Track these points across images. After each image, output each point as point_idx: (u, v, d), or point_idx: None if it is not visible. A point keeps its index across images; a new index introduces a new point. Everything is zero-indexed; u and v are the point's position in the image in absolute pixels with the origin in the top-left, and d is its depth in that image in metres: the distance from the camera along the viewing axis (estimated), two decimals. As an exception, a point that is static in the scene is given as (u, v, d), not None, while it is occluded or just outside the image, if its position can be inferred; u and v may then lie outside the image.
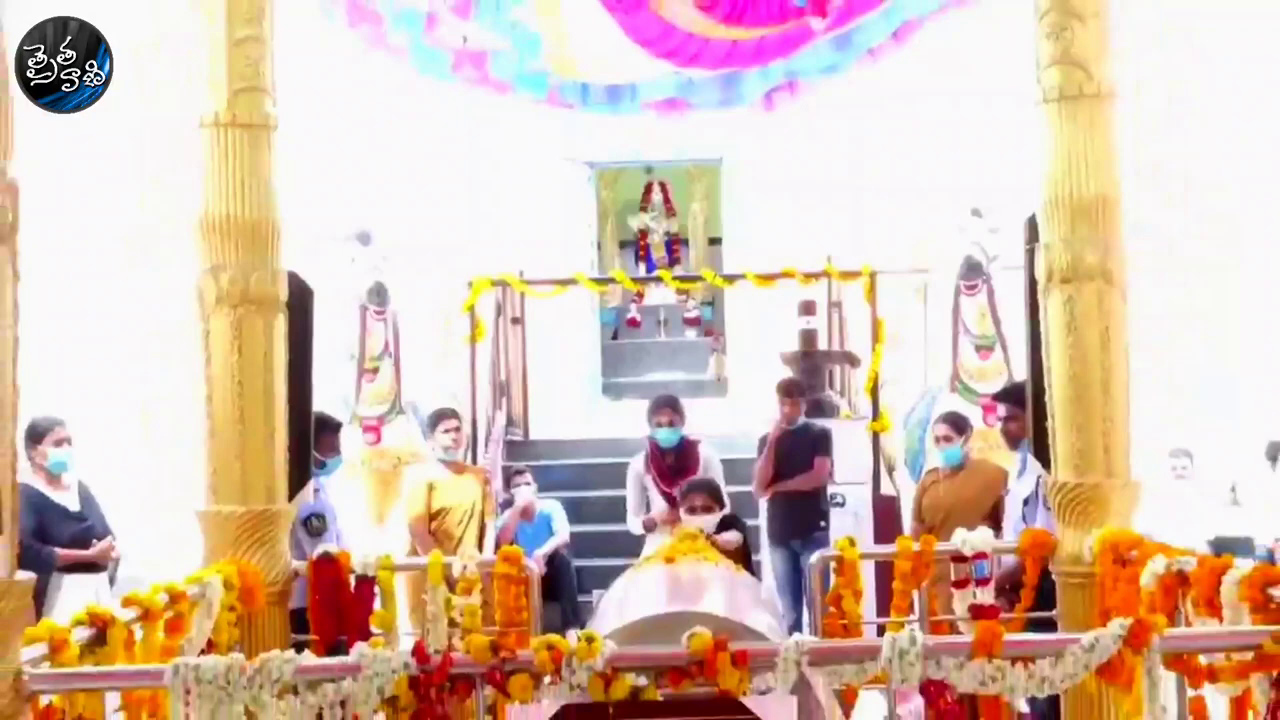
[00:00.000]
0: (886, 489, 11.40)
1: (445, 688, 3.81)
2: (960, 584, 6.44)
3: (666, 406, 9.22)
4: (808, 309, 13.01)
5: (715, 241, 18.32)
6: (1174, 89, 12.79)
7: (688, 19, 8.97)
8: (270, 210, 5.90)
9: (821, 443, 10.01)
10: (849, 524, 10.11)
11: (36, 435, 7.81)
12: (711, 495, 7.75)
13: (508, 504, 10.10)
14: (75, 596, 7.39)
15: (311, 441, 6.45)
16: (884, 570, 7.30)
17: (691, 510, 7.63)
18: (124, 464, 9.73)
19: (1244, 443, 11.83)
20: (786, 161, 14.74)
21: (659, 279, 16.22)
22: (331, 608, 6.17)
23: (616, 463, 11.19)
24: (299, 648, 4.63)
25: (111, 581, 8.14)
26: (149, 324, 12.64)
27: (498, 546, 8.32)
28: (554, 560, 9.90)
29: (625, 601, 5.52)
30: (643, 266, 19.98)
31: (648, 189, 20.56)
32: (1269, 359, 12.86)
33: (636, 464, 9.28)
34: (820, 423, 10.52)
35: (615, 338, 19.37)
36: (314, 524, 7.65)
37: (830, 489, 10.15)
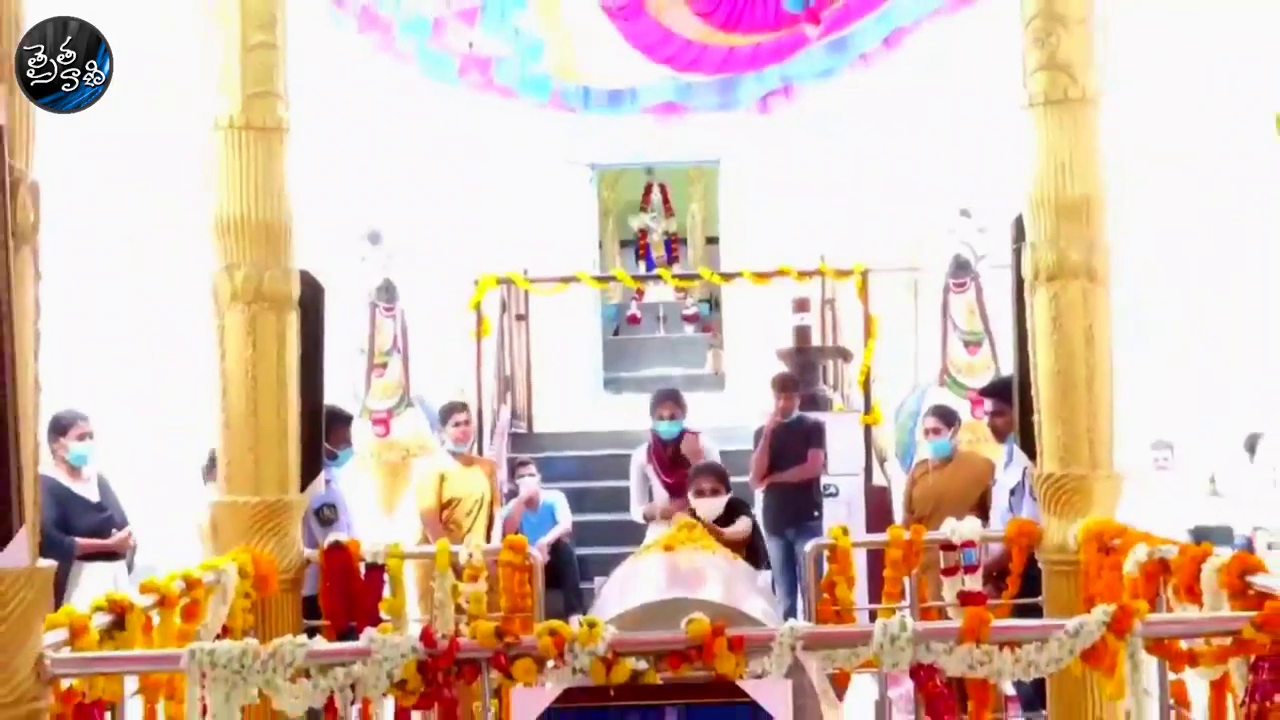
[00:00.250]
0: (878, 480, 11.39)
1: (452, 671, 3.82)
2: (949, 571, 6.45)
3: (669, 400, 9.23)
4: (802, 306, 13.03)
5: (713, 241, 18.33)
6: (1154, 91, 12.78)
7: (686, 25, 8.97)
8: (283, 210, 5.91)
9: (815, 435, 10.02)
10: (842, 514, 10.11)
11: (60, 428, 7.82)
12: (719, 479, 7.77)
13: (512, 494, 10.10)
14: (95, 584, 7.41)
15: (323, 434, 6.46)
16: (876, 558, 7.31)
17: (699, 493, 7.64)
18: (141, 456, 9.71)
19: (1223, 435, 11.83)
20: (782, 163, 14.75)
21: (658, 277, 16.19)
22: (342, 595, 6.18)
23: (617, 454, 11.21)
24: (311, 633, 4.64)
25: (129, 569, 8.15)
26: (165, 320, 12.63)
27: (503, 535, 8.33)
28: (557, 549, 9.90)
29: (626, 588, 5.52)
30: (643, 265, 19.98)
31: (647, 190, 20.55)
32: (1247, 355, 12.87)
33: (639, 455, 9.31)
34: (814, 416, 10.52)
35: (616, 334, 19.38)
36: (325, 513, 7.66)
37: (824, 480, 10.16)
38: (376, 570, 6.24)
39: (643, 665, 3.77)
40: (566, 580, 10.09)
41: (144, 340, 13.02)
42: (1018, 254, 6.12)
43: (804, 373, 11.93)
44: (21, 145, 3.57)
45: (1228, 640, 3.99)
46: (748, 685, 3.73)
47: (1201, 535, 9.93)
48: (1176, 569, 4.76)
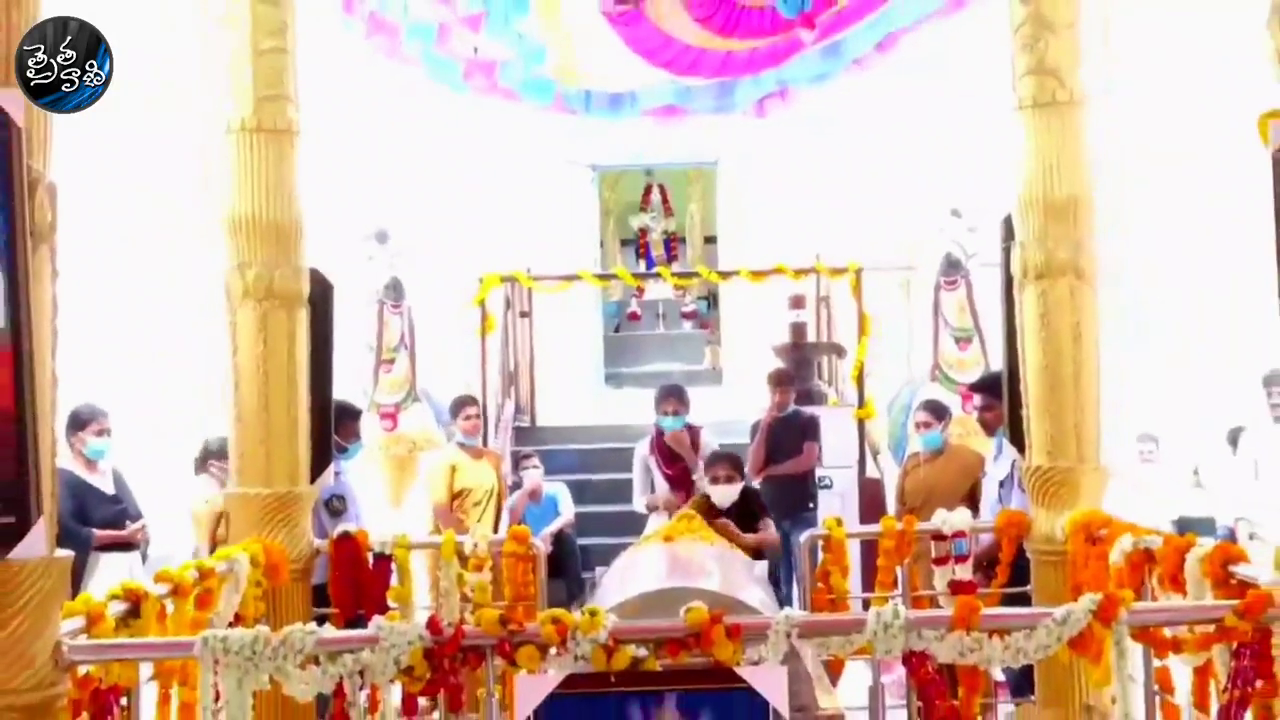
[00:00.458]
0: (871, 472, 11.39)
1: (458, 658, 3.82)
2: (940, 561, 6.45)
3: (672, 397, 9.25)
4: (797, 303, 13.03)
5: (711, 240, 18.33)
6: (1141, 94, 12.77)
7: (685, 30, 8.98)
8: (293, 211, 5.91)
9: (810, 429, 10.02)
10: (836, 505, 10.09)
11: (80, 423, 7.82)
12: (734, 466, 7.77)
13: (516, 486, 10.11)
14: (111, 574, 7.40)
15: (332, 428, 6.46)
16: (869, 548, 7.31)
17: (714, 480, 7.64)
18: (149, 451, 9.70)
19: (1206, 429, 11.83)
20: (778, 165, 14.75)
21: (658, 275, 16.22)
22: (351, 583, 6.18)
23: (618, 448, 11.21)
24: (320, 621, 4.64)
25: (143, 559, 8.15)
26: (170, 318, 12.62)
27: (507, 526, 8.34)
28: (560, 539, 9.89)
29: (626, 578, 5.53)
30: (643, 263, 19.97)
31: (647, 190, 20.54)
32: (1230, 351, 12.86)
33: (642, 448, 9.33)
34: (809, 410, 10.52)
35: (617, 330, 19.36)
36: (335, 505, 7.65)
37: (818, 472, 10.15)
38: (384, 560, 6.24)
39: (643, 652, 3.77)
40: (569, 570, 10.08)
41: (148, 338, 13.00)
42: (1007, 253, 6.12)
43: (799, 368, 11.92)
44: (39, 147, 3.57)
45: (1211, 628, 4.00)
46: (745, 672, 3.73)
47: (1185, 526, 9.92)
48: (1161, 559, 4.77)
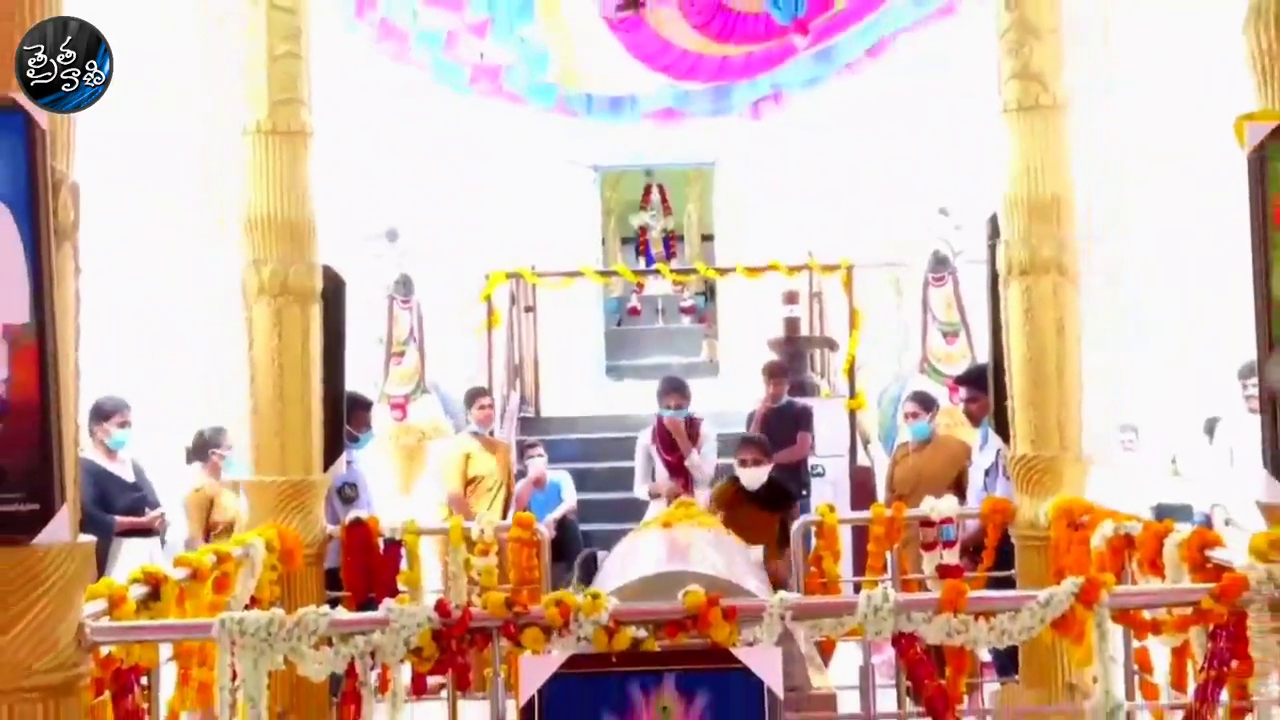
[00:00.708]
0: (862, 461, 11.39)
1: (465, 639, 3.82)
2: (928, 546, 6.46)
3: (675, 391, 9.25)
4: (791, 299, 13.03)
5: (708, 238, 18.31)
6: (1121, 99, 12.75)
7: (683, 36, 8.98)
8: (307, 210, 5.91)
9: (803, 419, 10.01)
10: (828, 492, 10.12)
11: (103, 414, 7.82)
12: (762, 450, 7.75)
13: (521, 474, 10.10)
14: (132, 559, 7.41)
15: (345, 418, 6.46)
16: (860, 534, 7.32)
17: (743, 463, 7.63)
18: (173, 440, 9.71)
19: (1184, 419, 11.83)
20: (773, 165, 14.73)
21: (657, 272, 16.28)
22: (362, 568, 6.19)
23: (619, 437, 11.21)
24: (333, 604, 4.65)
25: (162, 545, 8.16)
26: (196, 313, 12.62)
27: (512, 512, 8.34)
28: (563, 525, 9.88)
29: (626, 562, 5.52)
30: (642, 260, 19.95)
31: (647, 190, 20.53)
32: (1207, 344, 12.85)
33: (644, 437, 9.33)
34: (802, 401, 10.52)
35: (618, 324, 19.35)
36: (347, 492, 7.66)
37: (811, 461, 10.15)
38: (394, 545, 6.24)
39: (642, 634, 3.77)
40: (572, 554, 10.09)
41: (177, 332, 12.99)
42: (993, 250, 6.12)
43: (793, 361, 11.93)
44: (62, 148, 3.56)
45: (1188, 610, 4.00)
46: (740, 652, 3.73)
47: (1163, 512, 9.92)
48: (1140, 544, 4.77)
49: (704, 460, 9.10)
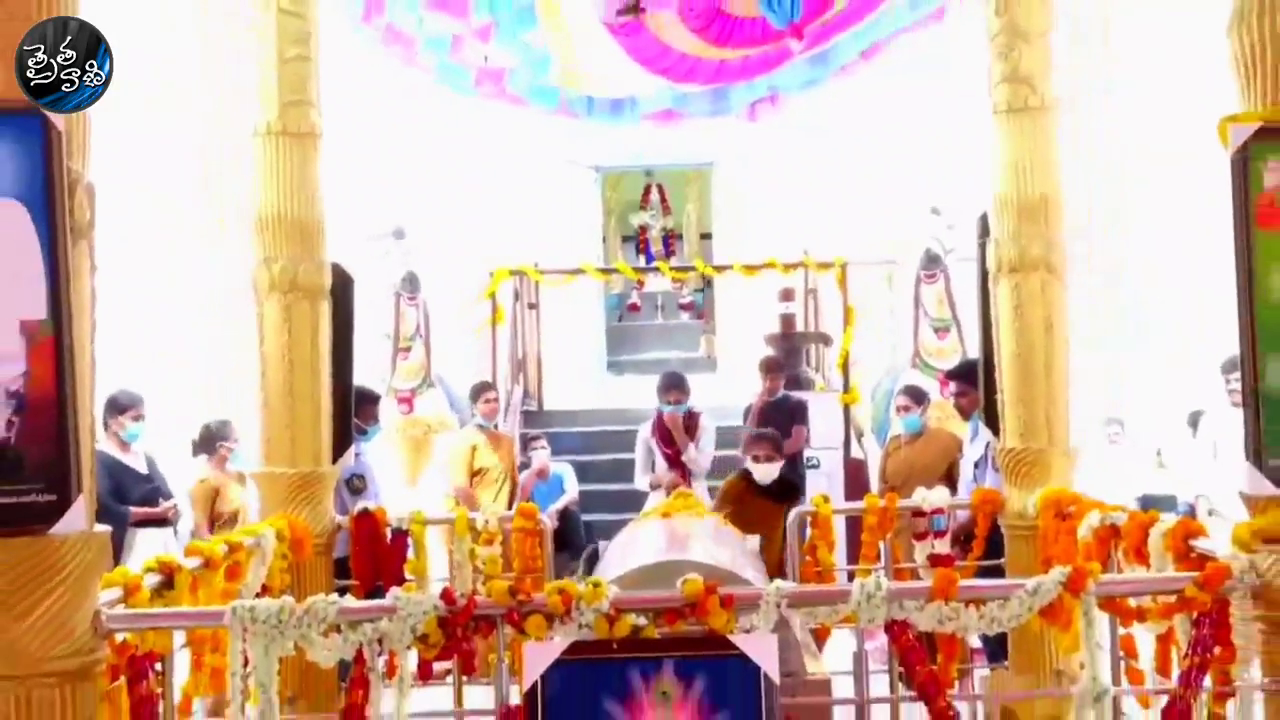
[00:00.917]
0: (856, 453, 11.39)
1: (470, 627, 3.82)
2: (920, 536, 6.45)
3: (674, 387, 9.26)
4: (787, 295, 13.03)
5: (706, 236, 18.29)
6: (1115, 99, 12.73)
7: (682, 41, 8.97)
8: (316, 209, 5.91)
9: (799, 412, 10.00)
10: (823, 484, 10.12)
11: (119, 408, 7.83)
12: (774, 446, 7.74)
13: (525, 466, 10.11)
14: (146, 548, 7.41)
15: (353, 411, 6.46)
16: (854, 524, 7.32)
17: (755, 459, 7.62)
18: (184, 433, 9.71)
19: (1168, 413, 11.83)
20: (769, 166, 14.73)
21: (657, 269, 16.27)
22: (370, 557, 6.18)
23: (619, 430, 11.21)
24: (342, 592, 4.64)
25: (175, 535, 8.17)
26: (208, 309, 12.62)
27: (517, 503, 8.35)
28: (565, 515, 9.88)
29: (627, 551, 5.52)
30: (642, 258, 19.93)
31: (647, 190, 20.50)
32: (1191, 340, 12.85)
33: (644, 430, 9.34)
34: (798, 395, 10.51)
35: (619, 320, 19.34)
36: (355, 483, 7.66)
37: (806, 453, 10.14)
38: (401, 535, 6.24)
39: (642, 621, 3.77)
40: (574, 544, 10.09)
41: (190, 327, 12.98)
42: (983, 248, 6.12)
43: (789, 356, 11.93)
44: (78, 149, 3.56)
45: (1172, 598, 4.00)
46: (738, 639, 3.73)
47: (1148, 503, 9.92)
48: (1126, 534, 4.77)
49: (701, 454, 9.11)
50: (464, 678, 5.64)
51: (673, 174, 19.99)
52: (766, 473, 7.57)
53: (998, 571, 5.98)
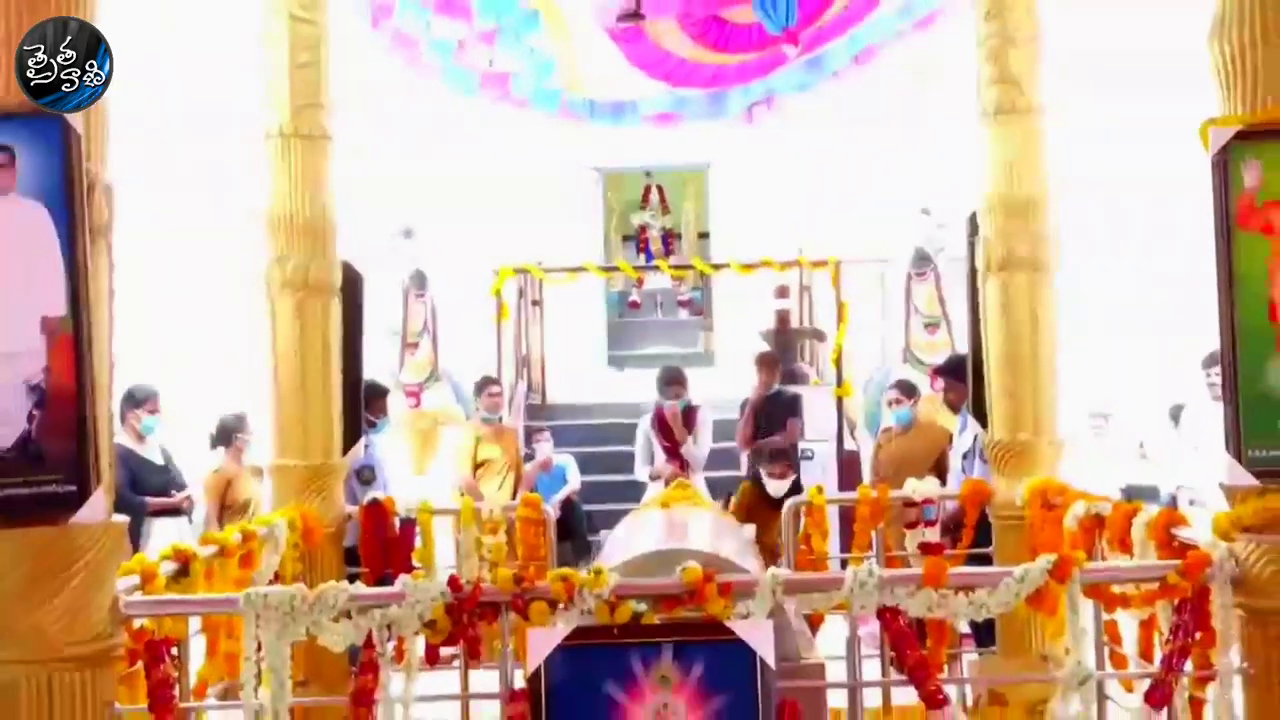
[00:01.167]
0: (849, 445, 11.39)
1: (476, 613, 3.82)
2: (911, 525, 6.47)
3: (674, 382, 9.27)
4: (782, 292, 13.03)
5: (704, 235, 18.24)
6: (1090, 108, 12.70)
7: (681, 46, 8.97)
8: (327, 209, 5.91)
9: (794, 406, 10.00)
10: (817, 475, 10.12)
11: (136, 401, 7.83)
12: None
13: (529, 458, 10.11)
14: (162, 537, 7.41)
15: (362, 405, 6.46)
16: (847, 514, 7.34)
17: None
18: (200, 426, 9.71)
19: (1151, 407, 11.83)
20: (765, 167, 14.71)
21: (657, 267, 16.28)
22: (379, 545, 6.19)
23: (620, 423, 11.21)
24: (352, 579, 4.65)
25: (189, 524, 8.17)
26: (223, 306, 12.60)
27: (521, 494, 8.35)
28: (568, 505, 9.89)
29: (628, 540, 5.52)
30: (643, 257, 19.87)
31: (646, 190, 20.45)
32: (1173, 335, 12.84)
33: (644, 423, 9.35)
34: (793, 389, 10.51)
35: (620, 317, 19.31)
36: (365, 475, 7.66)
37: (801, 445, 10.15)
38: (409, 524, 6.24)
39: (642, 607, 3.77)
40: (576, 533, 10.09)
41: (204, 323, 12.98)
42: (972, 247, 6.12)
43: (784, 351, 11.92)
44: (97, 150, 3.56)
45: (1155, 585, 4.00)
46: (735, 625, 3.73)
47: (1132, 493, 9.90)
48: (1110, 523, 4.77)
49: (699, 446, 9.13)
50: (470, 663, 5.64)
51: (672, 175, 19.94)
52: (779, 487, 7.69)
53: (986, 559, 5.98)
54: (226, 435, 8.29)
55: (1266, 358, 3.72)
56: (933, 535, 6.42)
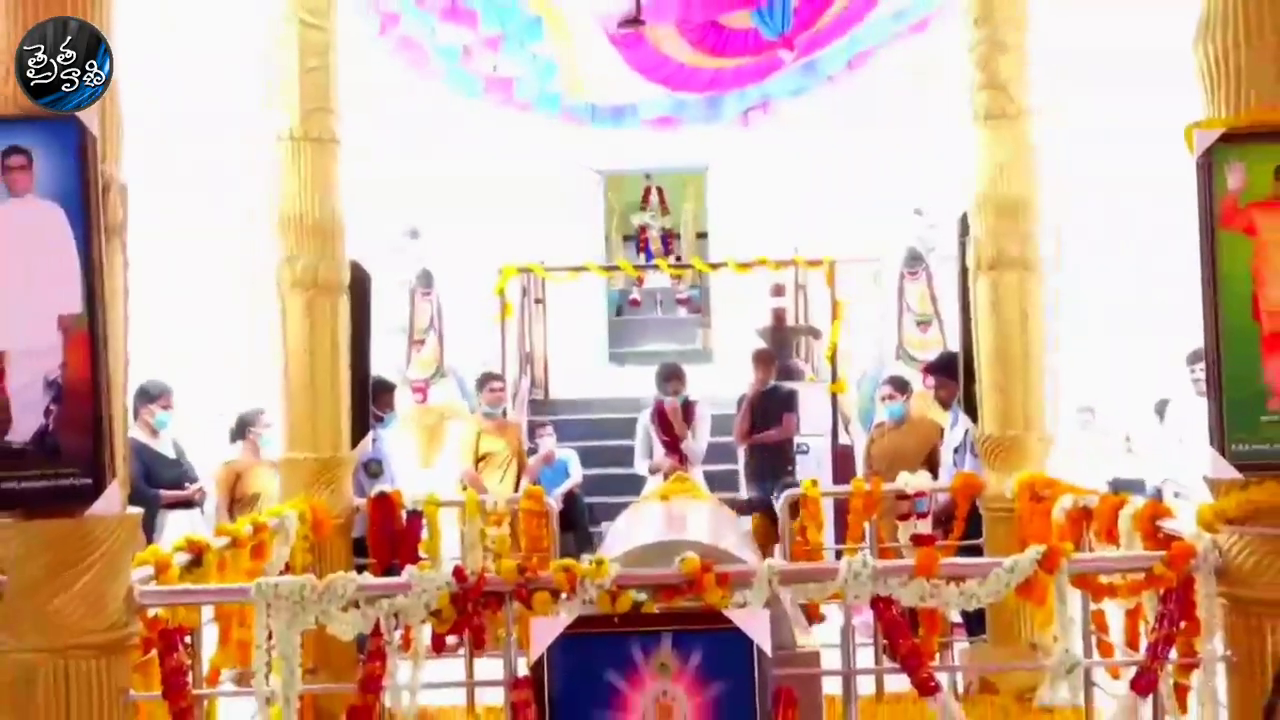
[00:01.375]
0: (843, 439, 11.38)
1: (480, 602, 3.83)
2: (903, 517, 6.46)
3: (674, 378, 9.26)
4: (778, 291, 13.03)
5: (702, 235, 18.23)
6: (1090, 108, 12.68)
7: (679, 51, 8.96)
8: (335, 210, 5.91)
9: (789, 401, 9.99)
10: (812, 468, 10.12)
11: (150, 397, 7.83)
12: None
13: (533, 452, 10.11)
14: (175, 529, 7.41)
15: (370, 400, 6.45)
16: (841, 506, 7.32)
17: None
18: (213, 421, 9.71)
19: (1137, 402, 11.83)
20: (762, 169, 14.70)
21: (656, 267, 16.28)
22: (387, 537, 6.19)
23: (621, 418, 11.20)
24: (360, 569, 4.65)
25: (201, 515, 8.17)
26: (235, 305, 12.59)
27: (524, 487, 8.35)
28: (570, 498, 9.89)
29: (628, 531, 5.52)
30: (643, 256, 19.88)
31: (646, 192, 20.45)
32: (1157, 332, 12.84)
33: (644, 418, 9.34)
34: (788, 385, 10.49)
35: (620, 315, 19.31)
36: (372, 468, 7.66)
37: (797, 439, 10.14)
38: (416, 516, 6.25)
39: (642, 597, 3.78)
40: (578, 524, 10.09)
41: (217, 320, 12.97)
42: (963, 247, 6.12)
43: (780, 348, 11.93)
44: (112, 152, 3.56)
45: (1141, 575, 4.01)
46: (732, 614, 3.74)
47: (1118, 486, 9.91)
48: (1097, 515, 4.77)
49: (697, 441, 9.12)
50: (475, 651, 5.65)
51: (671, 177, 19.94)
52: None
53: (977, 551, 5.99)
54: (243, 429, 8.30)
55: (1249, 354, 3.73)
56: (925, 527, 6.42)
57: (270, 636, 3.81)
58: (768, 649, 3.70)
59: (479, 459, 9.12)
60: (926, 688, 3.84)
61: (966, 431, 6.64)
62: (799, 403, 10.10)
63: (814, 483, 6.66)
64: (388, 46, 9.21)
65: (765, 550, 7.18)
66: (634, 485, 9.09)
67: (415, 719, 4.16)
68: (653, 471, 9.05)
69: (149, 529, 7.20)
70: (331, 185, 5.88)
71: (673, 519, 5.84)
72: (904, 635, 3.88)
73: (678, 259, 19.04)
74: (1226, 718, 3.85)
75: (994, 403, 5.92)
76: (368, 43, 9.12)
